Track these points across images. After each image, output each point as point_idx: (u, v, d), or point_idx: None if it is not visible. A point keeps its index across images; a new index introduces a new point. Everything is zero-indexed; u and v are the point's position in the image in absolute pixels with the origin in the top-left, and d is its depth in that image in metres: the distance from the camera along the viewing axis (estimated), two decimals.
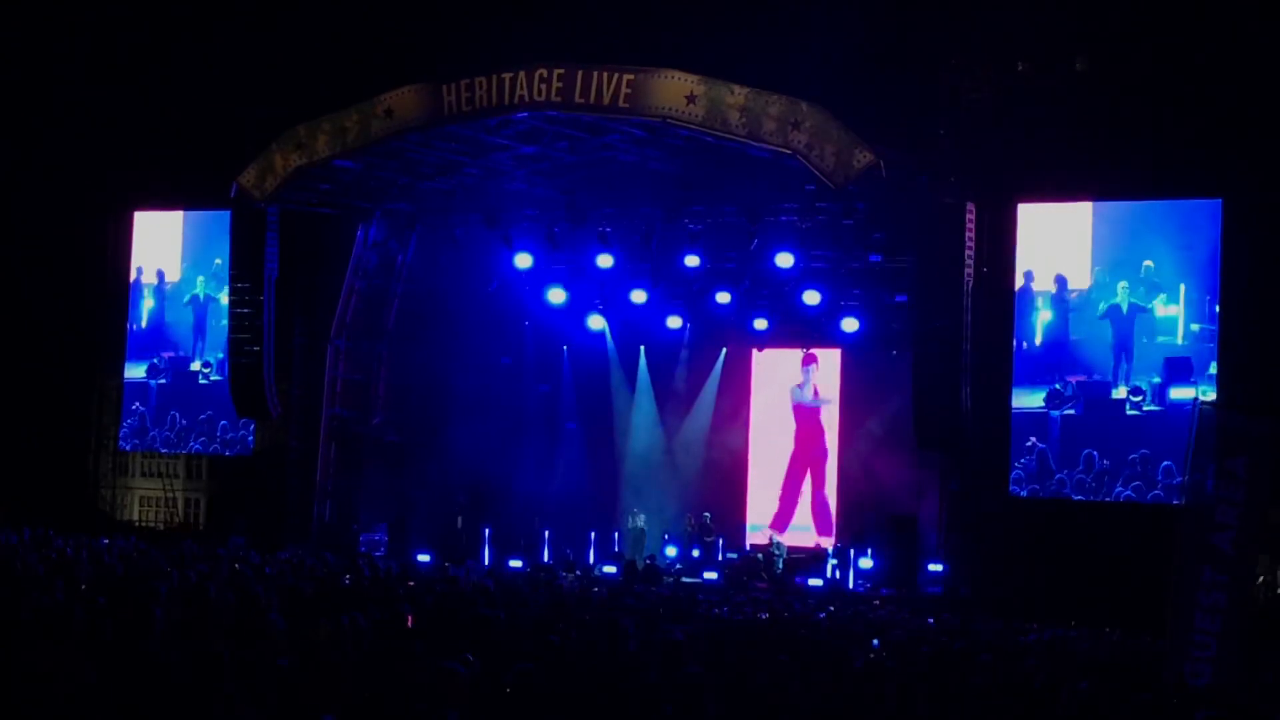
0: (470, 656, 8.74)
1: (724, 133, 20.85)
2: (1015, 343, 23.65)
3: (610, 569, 25.68)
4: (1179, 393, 22.37)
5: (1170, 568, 10.32)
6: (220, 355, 28.65)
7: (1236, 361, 22.04)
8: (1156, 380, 22.80)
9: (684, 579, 25.53)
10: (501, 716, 8.29)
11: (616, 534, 28.08)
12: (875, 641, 13.86)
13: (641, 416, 29.85)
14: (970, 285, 21.93)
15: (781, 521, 28.14)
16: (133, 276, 30.21)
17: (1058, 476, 23.44)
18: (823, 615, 17.52)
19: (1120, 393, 23.08)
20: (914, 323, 22.63)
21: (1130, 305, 23.05)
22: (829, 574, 25.23)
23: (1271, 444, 9.96)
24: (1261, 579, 21.86)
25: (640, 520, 27.79)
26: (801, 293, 25.44)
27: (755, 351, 29.08)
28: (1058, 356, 23.58)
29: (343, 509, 27.49)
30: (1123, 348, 23.12)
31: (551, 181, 25.58)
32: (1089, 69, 23.73)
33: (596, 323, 29.13)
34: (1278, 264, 21.90)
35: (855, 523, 26.75)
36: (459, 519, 27.77)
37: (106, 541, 20.25)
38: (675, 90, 20.89)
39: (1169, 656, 9.99)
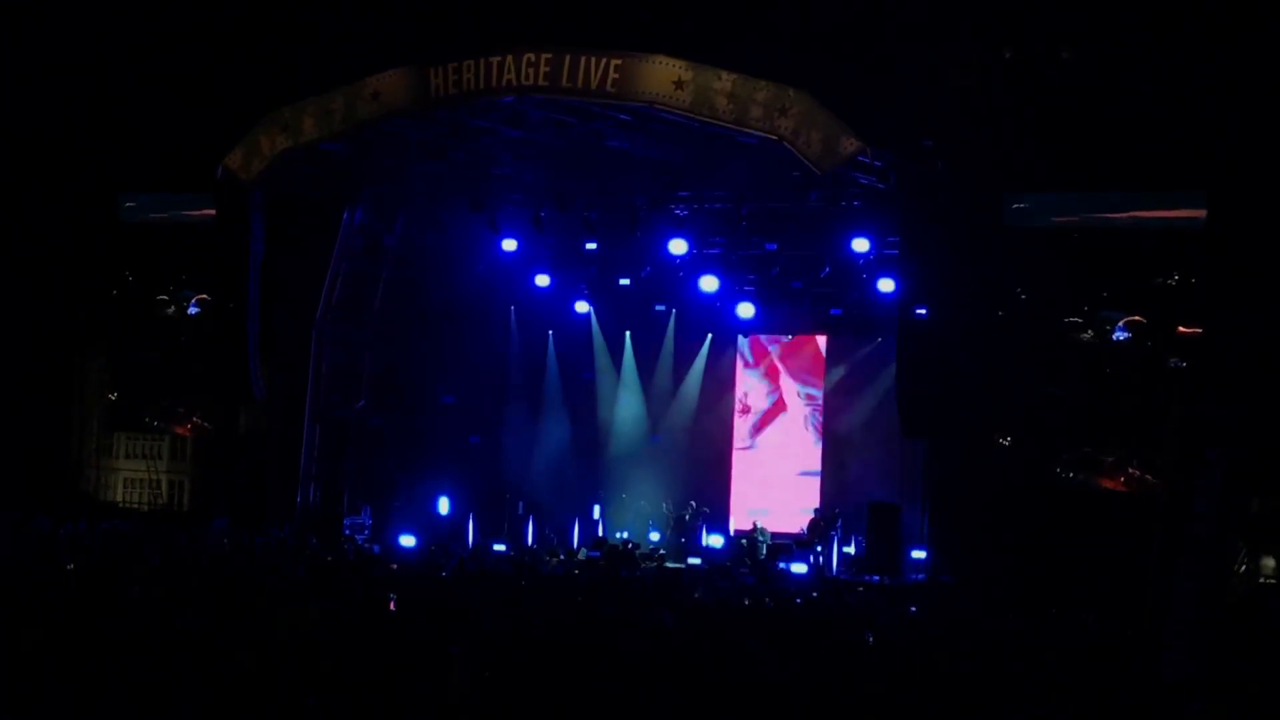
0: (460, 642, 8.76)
1: (711, 118, 20.82)
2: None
3: (594, 553, 25.73)
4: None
5: (1151, 557, 10.37)
6: None
7: (1217, 350, 22.09)
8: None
9: (668, 564, 25.59)
10: (486, 698, 8.32)
11: (599, 518, 28.13)
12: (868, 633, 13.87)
13: (626, 401, 29.87)
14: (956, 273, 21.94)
15: None
16: None
17: (1039, 464, 23.47)
18: (800, 601, 17.55)
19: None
20: (899, 309, 22.63)
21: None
22: (812, 560, 25.26)
23: (1250, 432, 10.02)
24: (1244, 569, 21.96)
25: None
26: (788, 279, 25.45)
27: (740, 337, 29.12)
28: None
29: (326, 492, 27.45)
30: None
31: (538, 166, 25.53)
32: (1074, 59, 23.72)
33: (582, 307, 29.14)
34: (1260, 255, 21.94)
35: (839, 509, 26.80)
36: (443, 502, 27.80)
37: (86, 524, 20.22)
38: (663, 75, 20.85)
39: (1146, 646, 10.05)
